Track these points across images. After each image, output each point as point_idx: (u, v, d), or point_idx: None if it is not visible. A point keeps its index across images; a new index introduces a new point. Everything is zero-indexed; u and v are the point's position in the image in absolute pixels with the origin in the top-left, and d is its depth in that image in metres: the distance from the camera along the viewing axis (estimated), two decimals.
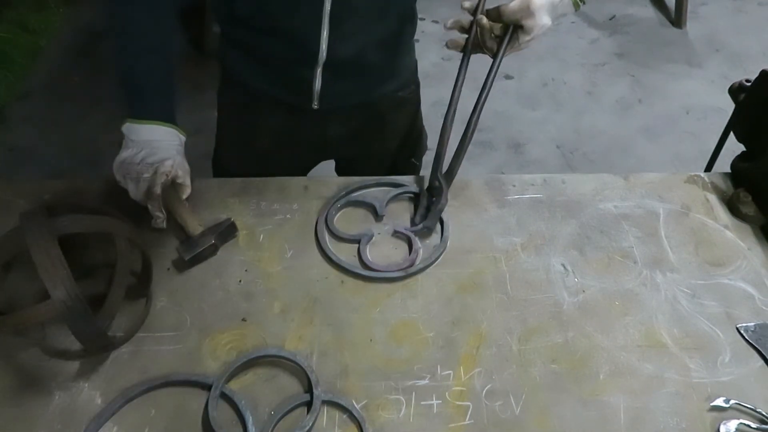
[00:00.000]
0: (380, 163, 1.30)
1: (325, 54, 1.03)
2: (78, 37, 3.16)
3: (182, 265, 0.95)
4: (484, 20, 1.00)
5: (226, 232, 0.98)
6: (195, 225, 0.97)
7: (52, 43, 3.13)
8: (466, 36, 1.04)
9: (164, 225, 0.97)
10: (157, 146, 0.96)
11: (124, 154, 0.96)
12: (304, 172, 1.29)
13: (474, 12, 1.03)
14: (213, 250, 0.97)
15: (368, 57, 1.08)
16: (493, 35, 1.01)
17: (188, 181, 0.99)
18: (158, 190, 0.94)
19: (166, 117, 0.99)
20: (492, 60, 1.02)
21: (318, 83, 1.08)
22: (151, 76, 0.99)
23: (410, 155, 1.34)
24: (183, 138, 1.02)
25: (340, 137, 1.21)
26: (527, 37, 0.98)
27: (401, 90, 1.23)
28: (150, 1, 0.96)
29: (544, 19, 0.96)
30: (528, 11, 0.95)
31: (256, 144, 1.22)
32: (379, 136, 1.25)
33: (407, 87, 1.25)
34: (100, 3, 3.33)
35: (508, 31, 0.99)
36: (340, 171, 1.40)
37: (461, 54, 1.05)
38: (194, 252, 0.94)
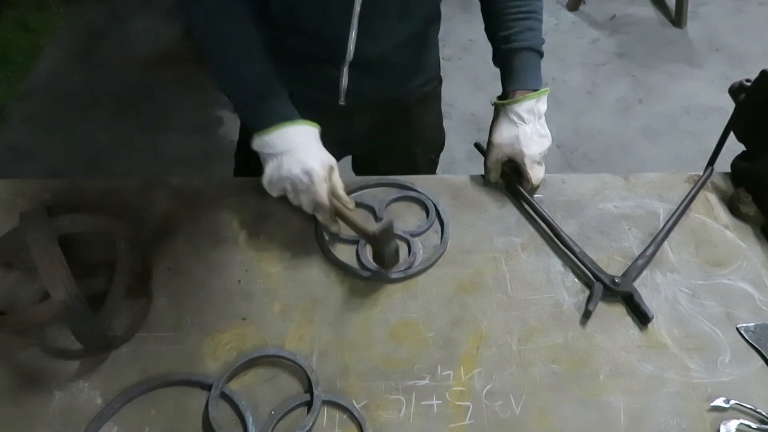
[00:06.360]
0: (401, 159, 1.30)
1: (352, 54, 1.04)
2: (78, 37, 3.15)
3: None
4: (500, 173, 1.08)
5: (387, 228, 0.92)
6: (368, 228, 0.92)
7: (52, 43, 3.12)
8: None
9: (339, 231, 0.97)
10: (297, 150, 0.92)
11: (269, 170, 0.94)
12: None
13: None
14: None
15: (394, 55, 1.09)
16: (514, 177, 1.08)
17: (339, 178, 0.96)
18: (326, 201, 0.92)
19: (292, 114, 0.95)
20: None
21: (345, 81, 1.09)
22: (263, 80, 0.96)
23: (430, 151, 1.35)
24: (317, 129, 0.97)
25: (365, 132, 1.22)
26: (529, 186, 1.06)
27: (425, 85, 1.24)
28: (233, 9, 0.93)
29: (538, 173, 1.05)
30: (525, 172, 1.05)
31: None
32: (403, 131, 1.26)
33: (431, 83, 1.26)
34: (100, 3, 3.34)
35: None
36: (358, 168, 1.40)
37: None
38: (395, 259, 0.93)
